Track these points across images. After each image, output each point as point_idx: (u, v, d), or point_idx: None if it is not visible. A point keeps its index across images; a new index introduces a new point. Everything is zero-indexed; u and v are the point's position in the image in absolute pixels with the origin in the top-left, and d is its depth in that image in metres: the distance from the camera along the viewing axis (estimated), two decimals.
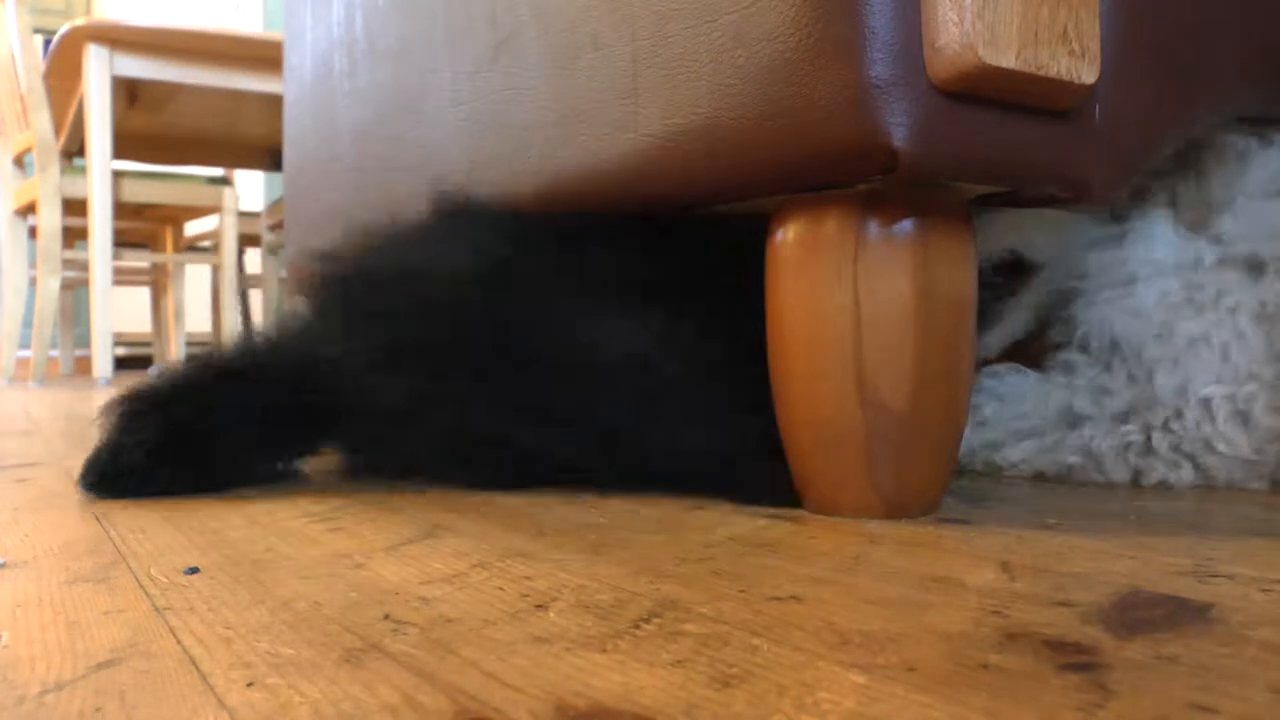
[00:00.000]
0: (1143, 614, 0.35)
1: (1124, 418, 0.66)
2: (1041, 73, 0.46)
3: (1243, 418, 0.63)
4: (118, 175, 2.65)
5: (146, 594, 0.39)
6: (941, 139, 0.45)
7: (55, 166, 2.57)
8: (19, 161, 2.93)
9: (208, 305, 4.39)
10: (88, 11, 4.44)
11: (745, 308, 0.57)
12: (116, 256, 2.65)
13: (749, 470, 0.58)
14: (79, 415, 1.44)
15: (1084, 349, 0.69)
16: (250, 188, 4.61)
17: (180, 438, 0.66)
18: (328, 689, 0.28)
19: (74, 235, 3.28)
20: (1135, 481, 0.65)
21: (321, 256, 0.80)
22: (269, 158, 3.40)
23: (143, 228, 3.55)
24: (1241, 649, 0.31)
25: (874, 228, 0.49)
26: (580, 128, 0.62)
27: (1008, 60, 0.44)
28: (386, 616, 0.36)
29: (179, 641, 0.33)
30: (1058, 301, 0.72)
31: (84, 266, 3.25)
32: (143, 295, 4.36)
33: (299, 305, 0.78)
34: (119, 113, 2.78)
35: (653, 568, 0.42)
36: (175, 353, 3.11)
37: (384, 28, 0.92)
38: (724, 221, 0.60)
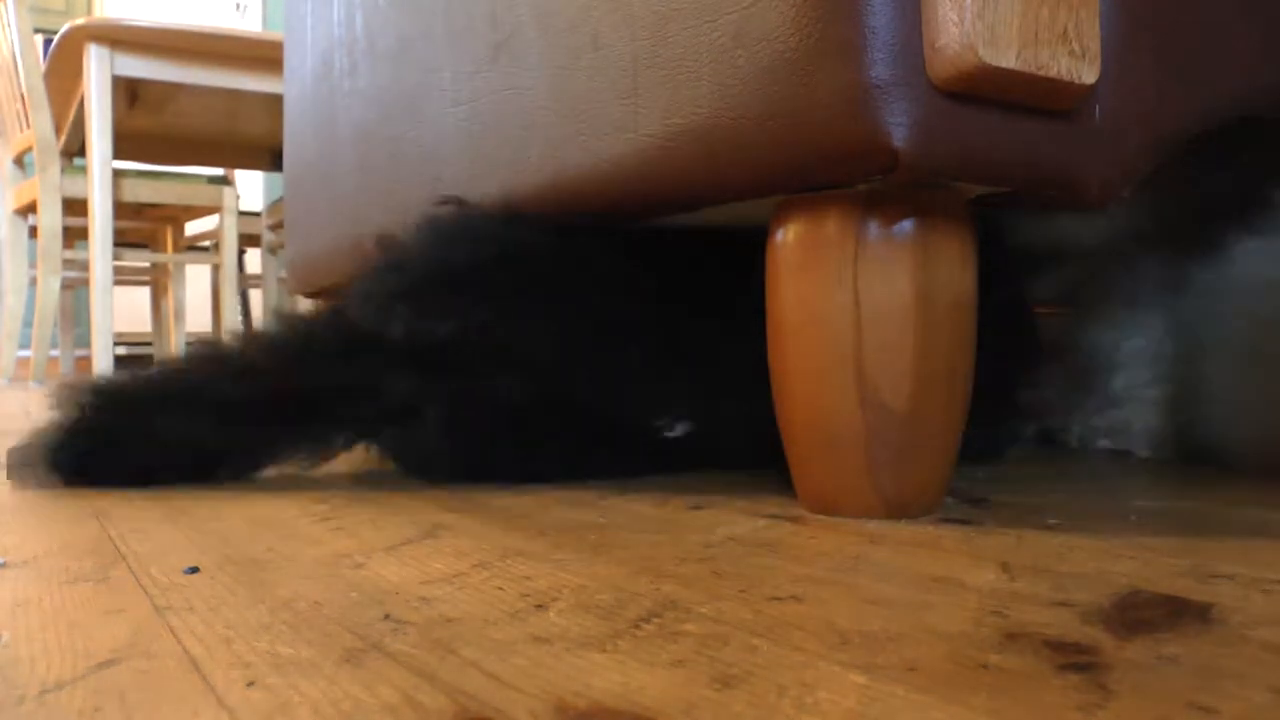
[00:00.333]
0: (1143, 614, 0.35)
1: None
2: (1042, 73, 0.46)
3: None
4: (118, 175, 2.65)
5: (146, 594, 0.39)
6: (941, 139, 0.45)
7: (55, 166, 2.57)
8: (19, 161, 2.93)
9: (208, 305, 4.39)
10: (88, 11, 4.45)
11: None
12: (117, 256, 2.66)
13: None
14: None
15: None
16: (250, 187, 4.61)
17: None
18: (328, 689, 0.28)
19: (74, 235, 3.28)
20: None
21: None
22: (269, 158, 3.40)
23: (143, 227, 3.55)
24: (1241, 649, 0.31)
25: (874, 228, 0.49)
26: (580, 128, 0.62)
27: (1008, 60, 0.44)
28: (387, 616, 0.36)
29: (179, 641, 0.33)
30: None
31: (84, 266, 3.25)
32: (143, 295, 4.36)
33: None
34: (119, 112, 2.78)
35: (653, 568, 0.42)
36: (175, 352, 3.11)
37: (384, 28, 0.92)
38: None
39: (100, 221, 2.48)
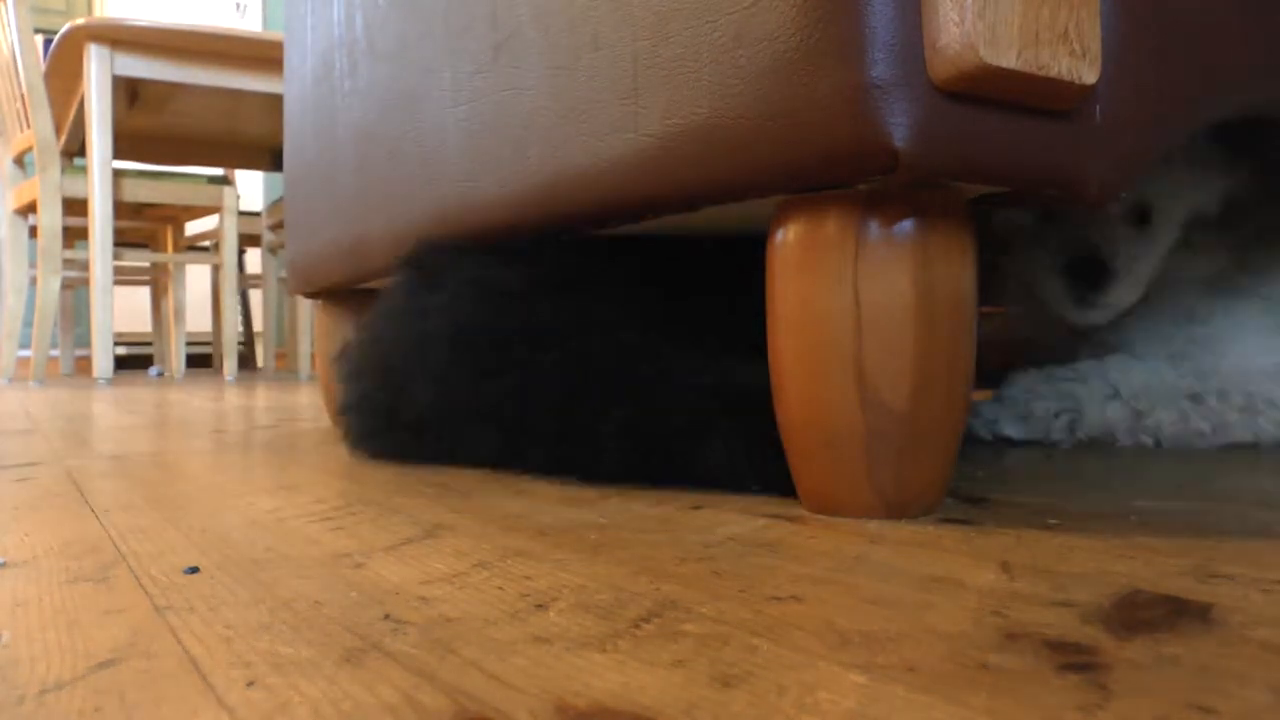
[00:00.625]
0: (1143, 614, 0.35)
1: None
2: (1042, 73, 0.46)
3: None
4: (118, 175, 2.65)
5: (146, 593, 0.39)
6: (942, 139, 0.45)
7: (56, 166, 2.57)
8: (19, 161, 2.93)
9: (208, 305, 4.39)
10: (89, 11, 4.45)
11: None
12: (117, 256, 2.66)
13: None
14: (79, 415, 1.44)
15: None
16: (250, 187, 4.61)
17: None
18: (328, 689, 0.28)
19: (74, 235, 3.28)
20: None
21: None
22: (269, 157, 3.41)
23: (143, 227, 3.55)
24: (1241, 649, 0.31)
25: (874, 228, 0.49)
26: (580, 128, 0.62)
27: (1008, 60, 0.44)
28: (387, 616, 0.36)
29: (179, 641, 0.33)
30: None
31: (84, 266, 3.26)
32: (143, 295, 4.36)
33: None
34: (119, 112, 2.78)
35: (653, 568, 0.42)
36: (175, 352, 3.11)
37: (384, 28, 0.92)
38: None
39: (100, 221, 2.48)
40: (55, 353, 4.01)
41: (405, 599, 0.38)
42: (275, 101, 2.75)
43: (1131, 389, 0.84)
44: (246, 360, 4.12)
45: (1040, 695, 0.27)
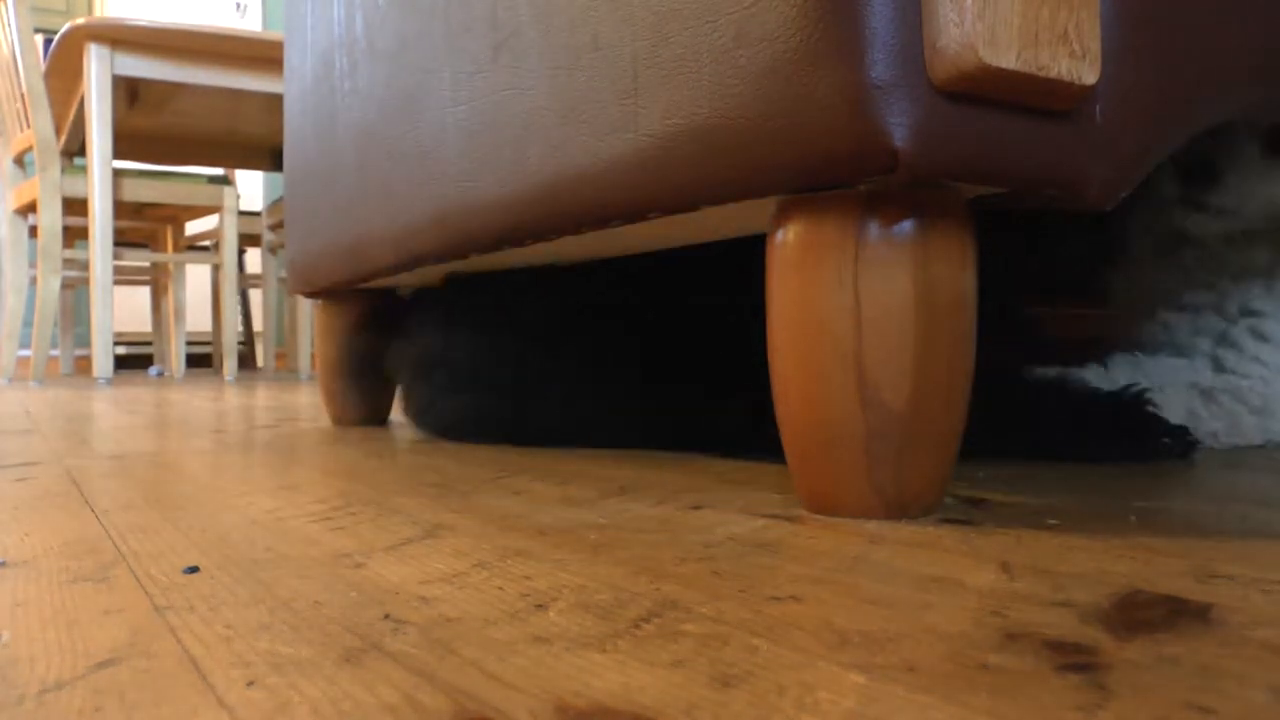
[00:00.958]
0: (1142, 614, 0.35)
1: None
2: (1042, 74, 0.46)
3: None
4: (118, 174, 2.65)
5: (146, 593, 0.39)
6: (942, 139, 0.45)
7: (56, 166, 2.57)
8: (19, 161, 2.93)
9: (208, 305, 4.39)
10: (89, 11, 4.45)
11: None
12: (117, 256, 2.66)
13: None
14: (79, 415, 1.44)
15: None
16: (250, 187, 4.61)
17: None
18: (327, 688, 0.28)
19: (74, 234, 3.28)
20: None
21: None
22: (269, 157, 3.41)
23: (143, 227, 3.55)
24: (1241, 649, 0.31)
25: (874, 228, 0.49)
26: (580, 128, 0.62)
27: (1008, 61, 0.44)
28: (386, 616, 0.36)
29: (179, 641, 0.33)
30: None
31: (84, 266, 3.26)
32: (143, 294, 4.36)
33: None
34: (120, 112, 2.78)
35: (652, 568, 0.42)
36: (175, 352, 3.11)
37: (384, 27, 0.92)
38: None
39: (100, 221, 2.48)
40: (55, 352, 4.01)
41: (405, 599, 0.38)
42: (275, 101, 2.75)
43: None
44: (246, 360, 4.12)
45: (1040, 695, 0.27)
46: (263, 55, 2.54)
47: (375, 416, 1.24)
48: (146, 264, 3.70)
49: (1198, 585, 0.39)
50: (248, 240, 3.50)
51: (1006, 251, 0.90)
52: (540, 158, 0.66)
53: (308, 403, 1.70)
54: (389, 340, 1.13)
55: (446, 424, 1.01)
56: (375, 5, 0.93)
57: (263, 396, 1.92)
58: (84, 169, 2.62)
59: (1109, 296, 0.95)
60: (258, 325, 4.24)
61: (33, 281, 3.08)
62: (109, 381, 2.53)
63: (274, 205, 3.21)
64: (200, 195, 2.84)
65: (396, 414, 1.33)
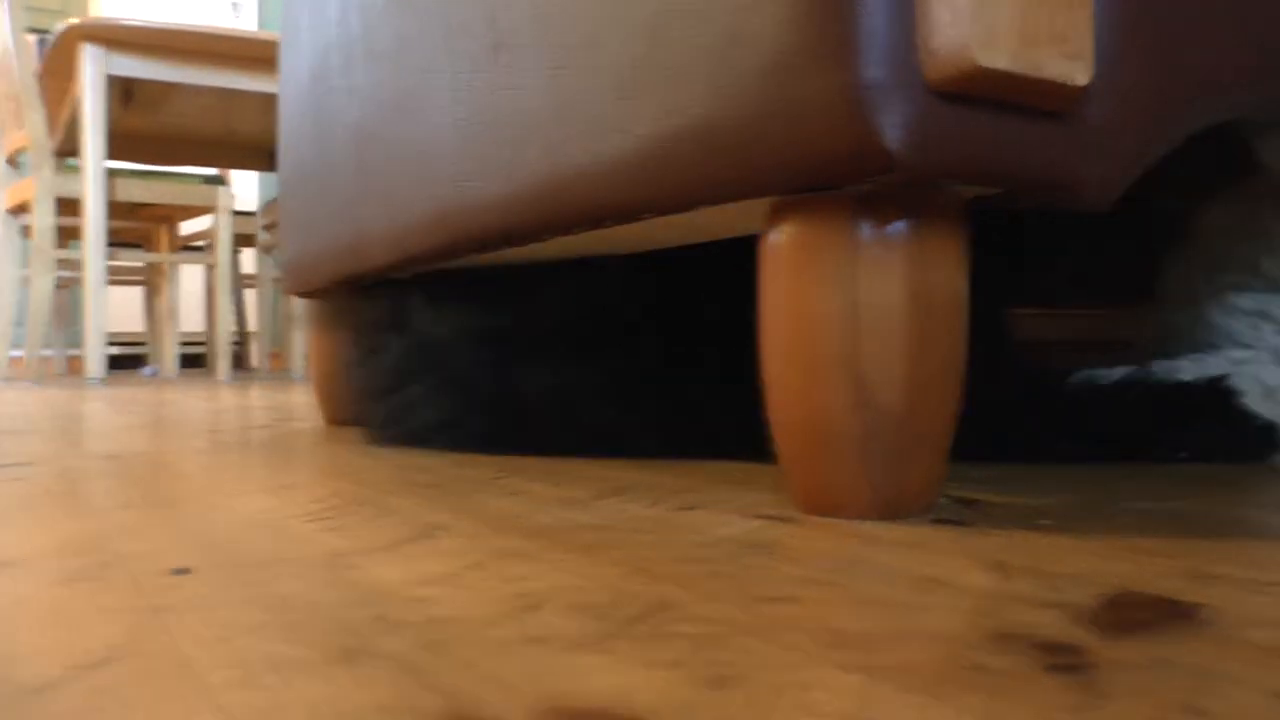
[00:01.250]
0: (1133, 615, 0.35)
1: None
2: (1036, 74, 0.46)
3: None
4: (112, 174, 2.65)
5: (142, 593, 0.39)
6: (936, 140, 0.45)
7: (49, 166, 2.57)
8: (13, 161, 2.92)
9: (202, 305, 4.38)
10: (84, 11, 4.44)
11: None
12: (111, 256, 2.65)
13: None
14: (73, 415, 1.44)
15: None
16: (245, 187, 4.61)
17: None
18: (323, 688, 0.28)
19: (68, 234, 3.27)
20: None
21: None
22: (264, 157, 3.40)
23: (137, 227, 3.54)
24: (1234, 651, 0.31)
25: (869, 229, 0.49)
26: (577, 128, 0.62)
27: (1002, 62, 0.44)
28: (381, 616, 0.36)
29: (173, 641, 0.33)
30: None
31: (78, 266, 3.25)
32: (137, 295, 4.36)
33: None
34: (114, 112, 2.78)
35: (647, 568, 0.42)
36: (169, 353, 3.10)
37: (381, 27, 0.92)
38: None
39: (94, 221, 2.48)
40: (49, 352, 4.00)
41: (400, 599, 0.38)
42: (270, 101, 2.74)
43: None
44: (241, 360, 4.12)
45: (1033, 696, 0.27)
46: (258, 55, 2.53)
47: None
48: (140, 264, 3.69)
49: (1189, 586, 0.39)
50: (242, 240, 3.50)
51: (1044, 253, 0.90)
52: (537, 158, 0.66)
53: (302, 403, 1.69)
54: (383, 340, 1.13)
55: (414, 431, 0.97)
56: (373, 5, 0.93)
57: (257, 397, 1.92)
58: (78, 169, 2.61)
59: (1164, 293, 0.94)
60: (252, 325, 4.23)
61: (25, 281, 3.07)
62: (102, 381, 2.52)
63: (269, 205, 3.21)
64: (194, 195, 2.84)
65: None
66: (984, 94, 0.46)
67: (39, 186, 2.55)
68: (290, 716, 0.26)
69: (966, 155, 0.46)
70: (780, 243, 0.51)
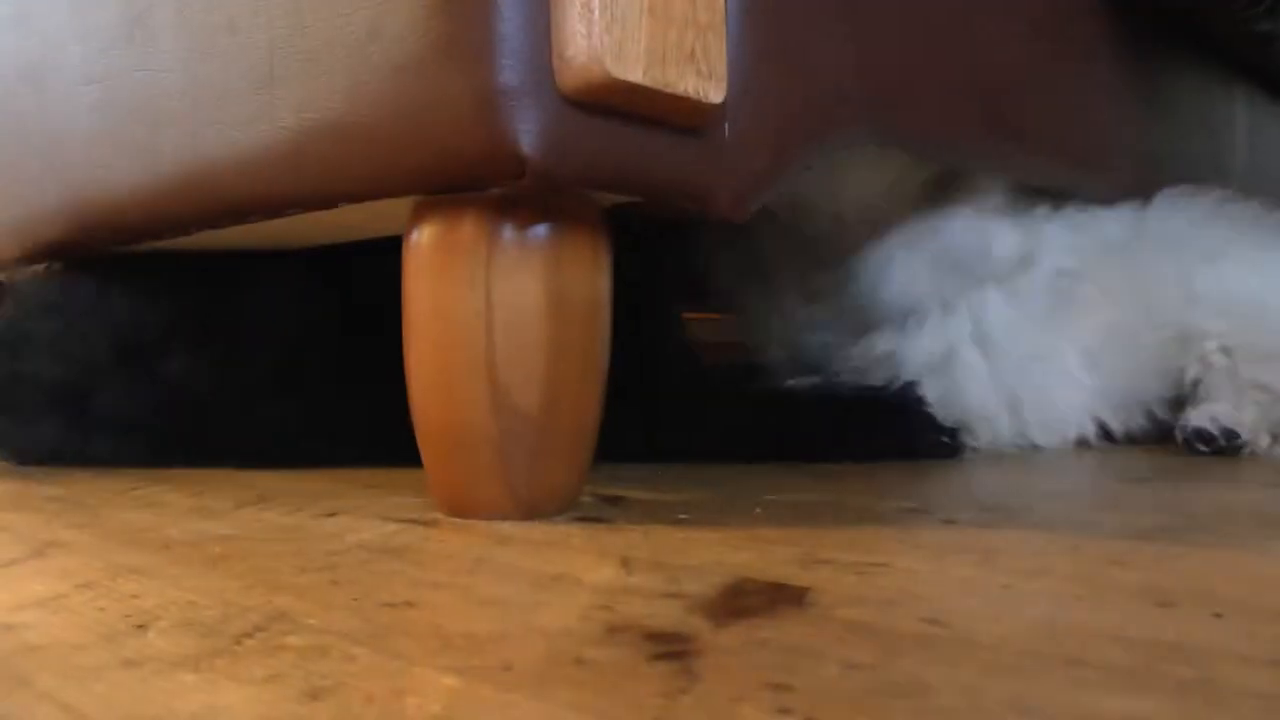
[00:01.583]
0: (745, 601, 0.37)
1: None
2: (669, 90, 0.48)
3: None
4: None
5: None
6: (570, 148, 0.46)
7: None
8: None
9: None
10: None
11: None
12: None
13: None
14: None
15: None
16: None
17: None
18: None
19: None
20: None
21: None
22: None
23: None
24: (825, 628, 0.33)
25: (508, 232, 0.49)
26: (217, 116, 0.58)
27: (635, 75, 0.46)
28: None
29: None
30: None
31: None
32: None
33: None
34: None
35: (270, 579, 0.41)
36: None
37: None
38: None
39: None
40: None
41: None
42: None
43: None
44: None
45: (627, 685, 0.28)
46: None
47: None
48: None
49: (801, 571, 0.41)
50: None
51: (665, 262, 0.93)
52: (175, 146, 0.62)
53: None
54: None
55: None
56: None
57: None
58: None
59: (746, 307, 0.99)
60: None
61: None
62: None
63: None
64: None
65: None
66: (618, 105, 0.47)
67: None
68: None
69: (601, 163, 0.48)
70: (420, 243, 0.50)
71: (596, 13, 0.44)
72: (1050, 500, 0.64)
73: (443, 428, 0.51)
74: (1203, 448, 0.83)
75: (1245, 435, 0.83)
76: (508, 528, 0.51)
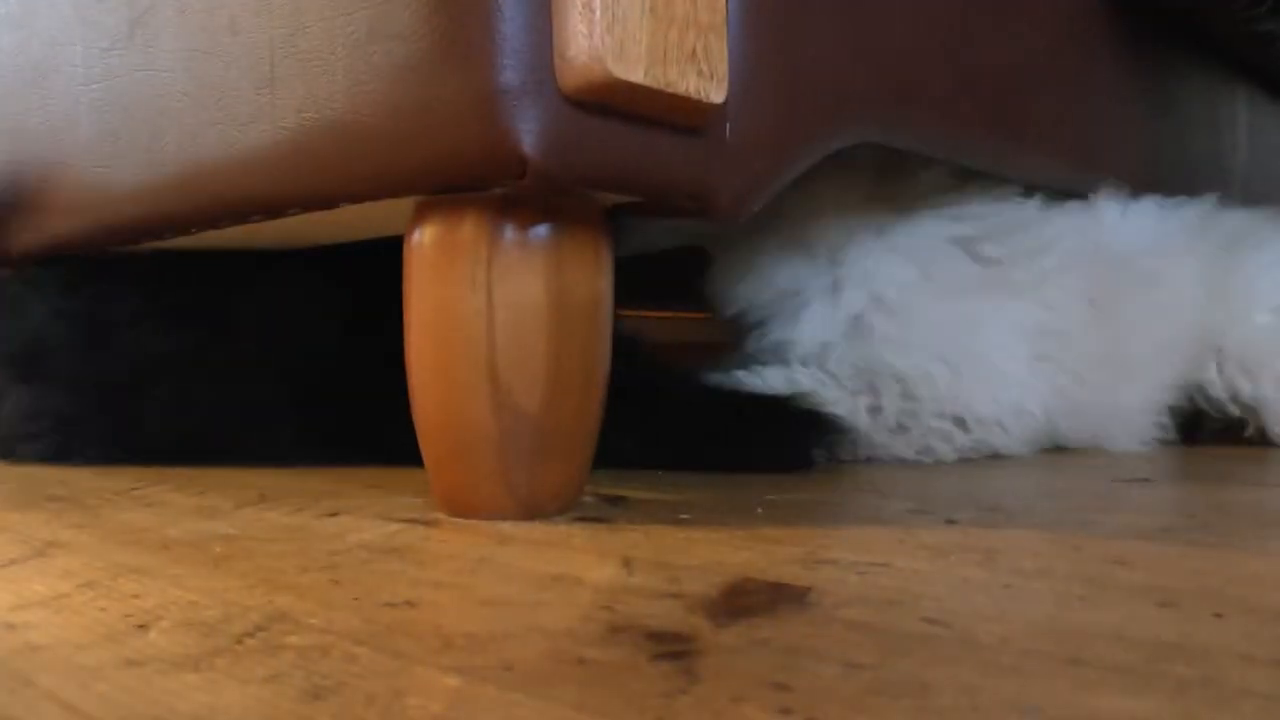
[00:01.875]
0: (747, 601, 0.37)
1: None
2: (670, 89, 0.48)
3: None
4: None
5: None
6: (571, 148, 0.46)
7: None
8: None
9: None
10: None
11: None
12: None
13: None
14: None
15: None
16: None
17: None
18: None
19: None
20: None
21: None
22: None
23: None
24: (826, 628, 0.33)
25: (509, 231, 0.49)
26: (218, 115, 0.58)
27: (636, 75, 0.46)
28: None
29: None
30: None
31: None
32: None
33: None
34: None
35: (271, 579, 0.41)
36: None
37: None
38: None
39: None
40: None
41: None
42: None
43: None
44: None
45: (630, 684, 0.28)
46: None
47: None
48: None
49: (803, 571, 0.41)
50: None
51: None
52: (177, 146, 0.62)
53: None
54: None
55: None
56: None
57: None
58: None
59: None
60: None
61: None
62: None
63: None
64: None
65: None
66: (620, 105, 0.47)
67: None
68: None
69: (602, 164, 0.48)
70: (422, 243, 0.50)
71: (598, 12, 0.44)
72: (1050, 500, 0.64)
73: (444, 427, 0.51)
74: None
75: None
76: (509, 528, 0.51)
